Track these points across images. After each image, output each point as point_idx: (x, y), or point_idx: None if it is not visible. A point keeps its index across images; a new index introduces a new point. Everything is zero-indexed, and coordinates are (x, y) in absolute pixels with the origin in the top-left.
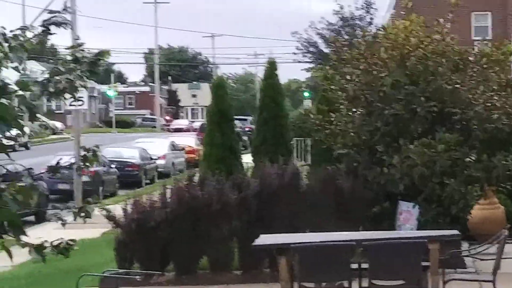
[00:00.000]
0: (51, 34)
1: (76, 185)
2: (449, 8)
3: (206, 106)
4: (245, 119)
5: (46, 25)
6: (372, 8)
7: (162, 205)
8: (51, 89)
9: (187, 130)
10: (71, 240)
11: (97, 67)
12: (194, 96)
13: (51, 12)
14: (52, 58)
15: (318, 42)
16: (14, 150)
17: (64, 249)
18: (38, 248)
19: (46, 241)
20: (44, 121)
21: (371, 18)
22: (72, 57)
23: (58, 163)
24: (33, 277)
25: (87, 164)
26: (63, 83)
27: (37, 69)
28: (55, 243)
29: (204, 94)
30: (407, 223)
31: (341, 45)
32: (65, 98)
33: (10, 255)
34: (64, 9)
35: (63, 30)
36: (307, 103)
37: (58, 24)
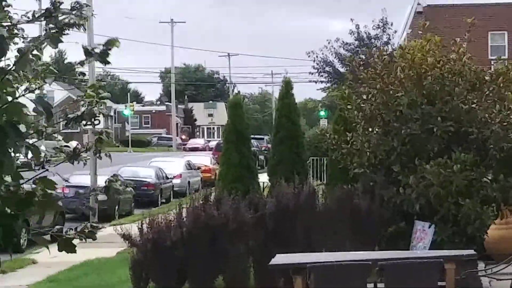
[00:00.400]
0: (64, 34)
1: (92, 204)
2: (466, 28)
3: (222, 125)
4: (262, 138)
5: (59, 26)
6: (389, 28)
7: (178, 224)
8: (70, 115)
9: (203, 149)
10: (94, 224)
11: (107, 56)
12: (210, 115)
13: (64, 13)
14: (68, 77)
15: (334, 62)
16: (31, 169)
17: (90, 232)
18: (67, 239)
19: (70, 229)
20: (59, 141)
21: (388, 38)
22: (83, 49)
23: (76, 147)
24: None
25: (101, 145)
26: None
27: (54, 88)
28: (79, 228)
29: (220, 113)
30: (420, 242)
31: (357, 64)
32: (84, 125)
33: (47, 248)
34: (77, 9)
35: (79, 48)
36: (323, 123)
37: (71, 25)
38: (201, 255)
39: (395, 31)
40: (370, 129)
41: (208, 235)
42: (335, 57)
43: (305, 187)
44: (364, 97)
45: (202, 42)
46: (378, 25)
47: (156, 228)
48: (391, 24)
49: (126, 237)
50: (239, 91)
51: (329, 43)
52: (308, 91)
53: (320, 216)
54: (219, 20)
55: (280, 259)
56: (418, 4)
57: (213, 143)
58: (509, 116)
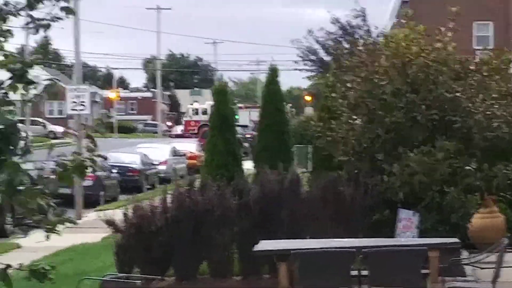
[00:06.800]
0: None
1: (77, 190)
2: (451, 17)
3: None
4: (247, 126)
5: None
6: (365, 14)
7: (163, 210)
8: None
9: (189, 136)
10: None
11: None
12: (195, 102)
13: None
14: (55, 62)
15: (318, 50)
16: (16, 154)
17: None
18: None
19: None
20: (44, 126)
21: (368, 28)
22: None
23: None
24: (32, 281)
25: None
26: None
27: (41, 74)
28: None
29: (206, 100)
30: (408, 231)
31: (342, 52)
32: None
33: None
34: None
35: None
36: (309, 110)
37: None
38: (185, 241)
39: (365, 16)
40: (354, 117)
41: (193, 221)
42: (319, 46)
43: (289, 174)
44: (349, 85)
45: (189, 29)
46: (357, 15)
47: (141, 213)
48: (366, 13)
49: (110, 223)
50: (222, 76)
51: (308, 33)
52: (295, 78)
53: (304, 203)
54: (205, 8)
55: (264, 245)
56: None
57: None
58: (493, 106)
